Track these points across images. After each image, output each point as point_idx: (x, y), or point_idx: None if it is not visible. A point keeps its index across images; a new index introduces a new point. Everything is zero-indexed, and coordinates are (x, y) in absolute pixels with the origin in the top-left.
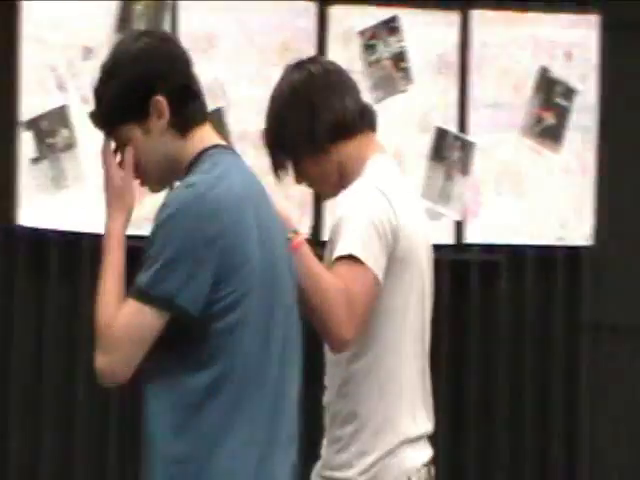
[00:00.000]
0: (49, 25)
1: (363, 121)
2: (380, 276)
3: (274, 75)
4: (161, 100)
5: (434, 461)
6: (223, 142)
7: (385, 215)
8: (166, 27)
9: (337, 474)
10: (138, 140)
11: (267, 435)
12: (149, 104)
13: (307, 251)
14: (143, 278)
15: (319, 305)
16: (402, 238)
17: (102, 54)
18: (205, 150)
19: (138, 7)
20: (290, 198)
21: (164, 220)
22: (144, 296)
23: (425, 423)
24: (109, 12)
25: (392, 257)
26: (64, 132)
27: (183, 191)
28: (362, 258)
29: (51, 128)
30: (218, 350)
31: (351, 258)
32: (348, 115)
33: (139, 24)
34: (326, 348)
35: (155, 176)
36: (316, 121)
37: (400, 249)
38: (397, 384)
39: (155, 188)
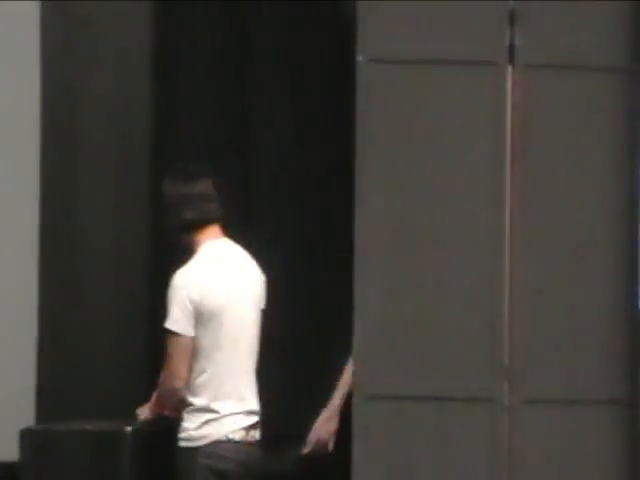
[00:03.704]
0: None
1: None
2: (181, 330)
3: None
4: None
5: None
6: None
7: (185, 291)
8: None
9: None
10: None
11: None
12: None
13: None
14: None
15: None
16: (199, 305)
17: None
18: None
19: None
20: None
21: None
22: None
23: (230, 406)
24: None
25: (197, 315)
26: None
27: None
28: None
29: None
30: None
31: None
32: None
33: None
34: None
35: None
36: None
37: (199, 310)
38: (206, 382)
39: None
